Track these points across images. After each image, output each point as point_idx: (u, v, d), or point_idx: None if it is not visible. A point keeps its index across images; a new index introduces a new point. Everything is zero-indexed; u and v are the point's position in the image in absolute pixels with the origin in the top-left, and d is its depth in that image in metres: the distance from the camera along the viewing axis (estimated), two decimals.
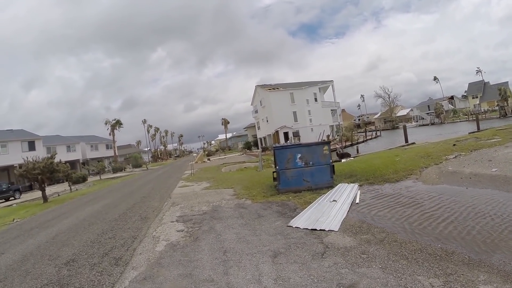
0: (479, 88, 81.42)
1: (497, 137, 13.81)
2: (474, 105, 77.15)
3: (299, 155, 9.83)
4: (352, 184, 9.57)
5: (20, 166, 20.49)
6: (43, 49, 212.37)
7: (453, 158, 10.99)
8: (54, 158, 20.12)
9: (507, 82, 73.71)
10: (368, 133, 55.59)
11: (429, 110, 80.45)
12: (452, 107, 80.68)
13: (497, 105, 61.26)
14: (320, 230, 5.74)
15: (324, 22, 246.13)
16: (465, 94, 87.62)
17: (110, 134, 63.92)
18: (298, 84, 54.02)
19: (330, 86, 57.66)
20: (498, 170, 8.19)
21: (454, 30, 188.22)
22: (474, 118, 37.47)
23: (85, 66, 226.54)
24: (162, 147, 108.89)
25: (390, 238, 4.94)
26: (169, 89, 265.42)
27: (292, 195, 9.27)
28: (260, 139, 57.27)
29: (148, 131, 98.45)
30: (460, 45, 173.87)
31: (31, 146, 39.49)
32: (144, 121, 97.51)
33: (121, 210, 10.87)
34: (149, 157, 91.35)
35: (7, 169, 36.44)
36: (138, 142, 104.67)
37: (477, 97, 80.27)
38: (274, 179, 10.37)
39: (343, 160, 17.22)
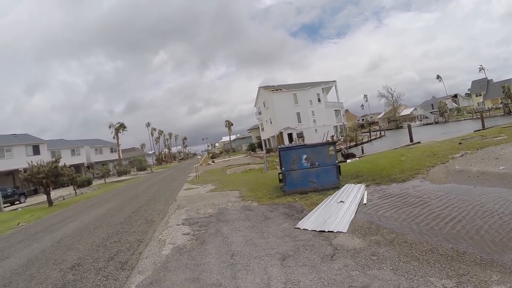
0: (482, 86, 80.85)
1: (503, 134, 13.67)
2: (478, 103, 76.59)
3: (304, 156, 9.75)
4: (358, 185, 9.48)
5: (25, 170, 20.54)
6: (45, 53, 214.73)
7: (460, 156, 10.88)
8: (58, 162, 20.16)
9: (511, 79, 73.17)
10: (372, 133, 55.28)
11: (432, 109, 80.00)
12: (455, 105, 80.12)
13: (501, 102, 60.68)
14: (329, 231, 5.66)
15: (325, 22, 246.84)
16: (469, 92, 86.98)
17: (114, 138, 64.04)
18: (301, 85, 53.90)
19: (333, 87, 57.53)
20: (506, 168, 8.09)
21: (455, 28, 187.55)
22: (479, 116, 37.16)
23: (87, 70, 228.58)
24: (166, 150, 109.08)
25: (399, 239, 4.86)
26: (172, 91, 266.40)
27: (298, 196, 9.19)
28: (264, 140, 57.17)
29: (152, 134, 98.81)
30: (462, 43, 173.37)
31: (36, 150, 39.60)
32: (148, 124, 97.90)
33: (126, 214, 10.84)
34: (154, 160, 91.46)
35: (12, 173, 36.59)
36: (142, 145, 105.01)
37: (480, 95, 79.70)
38: (280, 180, 10.29)
39: (348, 161, 17.12)
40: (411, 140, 23.41)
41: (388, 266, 3.93)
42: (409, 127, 26.75)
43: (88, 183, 37.78)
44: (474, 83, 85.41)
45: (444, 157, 11.09)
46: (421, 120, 77.64)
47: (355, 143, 38.94)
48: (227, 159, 51.49)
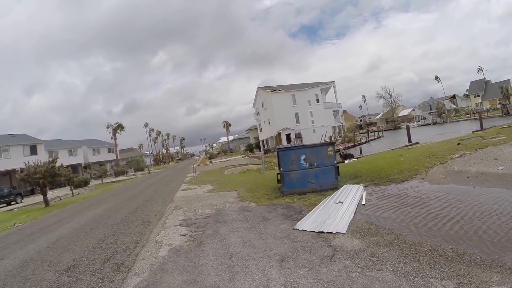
0: (480, 87, 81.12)
1: (502, 135, 13.67)
2: (476, 103, 76.81)
3: (303, 157, 9.70)
4: (357, 185, 9.44)
5: (22, 170, 20.43)
6: (44, 54, 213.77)
7: (458, 157, 10.85)
8: (55, 162, 20.08)
9: (509, 80, 73.56)
10: (370, 134, 55.30)
11: (431, 109, 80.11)
12: (454, 106, 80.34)
13: (499, 103, 60.94)
14: (327, 232, 5.60)
15: (324, 23, 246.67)
16: (467, 92, 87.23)
17: (112, 138, 63.80)
18: (300, 86, 53.88)
19: (332, 87, 57.53)
20: (505, 169, 8.07)
21: (454, 29, 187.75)
22: (477, 117, 37.25)
23: (86, 71, 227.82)
24: (164, 150, 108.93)
25: (399, 239, 4.81)
26: (171, 92, 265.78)
27: (296, 197, 9.14)
28: (262, 141, 57.12)
29: (150, 135, 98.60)
30: (460, 44, 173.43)
31: (33, 150, 39.44)
32: (146, 125, 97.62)
33: (123, 214, 10.76)
34: (151, 160, 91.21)
35: (9, 173, 36.38)
36: (140, 146, 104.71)
37: (478, 96, 79.96)
38: (278, 181, 10.23)
39: (346, 161, 17.09)
40: (410, 140, 23.39)
41: (388, 267, 3.88)
42: (408, 128, 26.74)
43: (85, 183, 37.61)
44: (473, 83, 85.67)
45: (443, 158, 11.06)
46: (419, 121, 77.72)
47: (353, 144, 38.96)
48: (225, 159, 51.39)
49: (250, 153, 56.60)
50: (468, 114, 63.32)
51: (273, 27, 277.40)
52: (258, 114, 58.12)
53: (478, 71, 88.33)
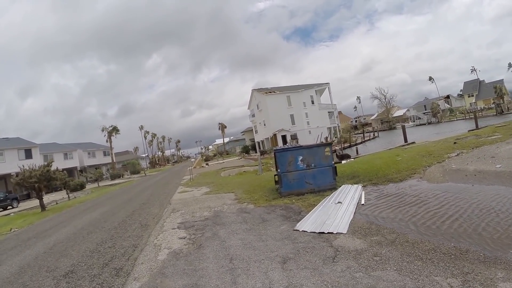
0: (474, 87, 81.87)
1: (498, 134, 13.77)
2: (470, 103, 77.48)
3: (300, 157, 9.67)
4: (355, 185, 9.42)
5: (17, 174, 20.19)
6: (38, 56, 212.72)
7: (455, 156, 10.91)
8: (50, 166, 19.89)
9: (502, 79, 74.54)
10: (365, 134, 55.52)
11: (425, 109, 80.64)
12: (448, 106, 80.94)
13: (493, 102, 61.60)
14: (328, 233, 5.57)
15: (317, 25, 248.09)
16: (461, 93, 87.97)
17: (107, 141, 63.37)
18: (295, 87, 53.96)
19: (327, 89, 57.71)
20: (503, 166, 8.12)
21: (447, 31, 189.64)
22: (471, 116, 37.57)
23: (81, 73, 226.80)
24: (159, 153, 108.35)
25: (401, 238, 4.79)
26: (165, 94, 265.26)
27: (295, 198, 9.10)
28: (258, 142, 57.10)
29: (145, 137, 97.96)
30: (453, 45, 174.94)
31: (28, 154, 39.05)
32: (141, 127, 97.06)
33: (120, 218, 10.65)
34: (147, 163, 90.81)
35: (4, 177, 35.97)
36: (136, 149, 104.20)
37: (472, 96, 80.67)
38: (276, 182, 10.19)
39: (343, 162, 17.09)
40: (406, 140, 23.48)
41: (392, 267, 3.85)
42: (403, 128, 26.85)
43: (81, 187, 37.24)
44: (466, 84, 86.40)
45: (440, 157, 11.10)
46: (414, 121, 78.07)
47: (349, 144, 39.02)
48: (221, 161, 51.22)
49: (246, 154, 56.48)
50: (462, 113, 63.81)
51: (267, 30, 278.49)
52: (253, 116, 58.10)
53: (471, 71, 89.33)
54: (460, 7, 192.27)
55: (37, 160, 32.73)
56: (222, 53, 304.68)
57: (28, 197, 34.37)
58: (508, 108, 53.63)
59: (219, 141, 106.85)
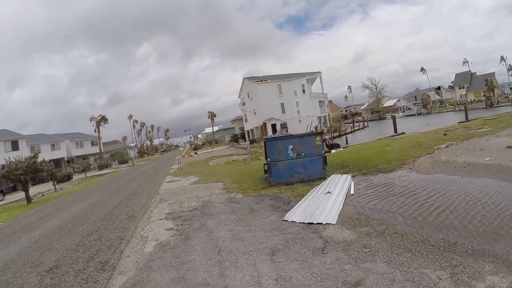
0: (465, 79, 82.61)
1: (487, 126, 13.92)
2: (461, 95, 78.36)
3: (291, 147, 9.59)
4: (345, 175, 9.40)
5: (3, 167, 19.70)
6: (26, 47, 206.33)
7: (445, 147, 10.97)
8: (37, 158, 19.48)
9: (494, 72, 75.40)
10: (355, 124, 55.82)
11: (416, 100, 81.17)
12: (438, 97, 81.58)
13: (484, 95, 62.21)
14: (317, 223, 5.53)
15: (311, 14, 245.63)
16: (452, 84, 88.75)
17: (95, 131, 62.45)
18: (286, 76, 53.67)
19: (318, 78, 57.48)
20: (492, 159, 8.17)
21: (441, 21, 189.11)
22: (461, 108, 37.93)
23: (70, 63, 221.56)
24: (148, 142, 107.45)
25: (390, 230, 4.77)
26: (155, 83, 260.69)
27: (284, 187, 9.05)
28: (248, 131, 56.89)
29: (134, 127, 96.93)
30: (447, 36, 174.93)
31: (15, 146, 38.26)
32: (130, 117, 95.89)
33: (107, 209, 10.45)
34: (135, 152, 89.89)
35: None
36: (124, 138, 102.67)
37: (463, 88, 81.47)
38: (265, 171, 10.11)
39: (332, 151, 17.09)
40: (396, 130, 23.59)
41: (381, 259, 3.82)
42: (394, 118, 26.91)
43: (68, 178, 36.66)
44: (458, 75, 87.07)
45: (430, 148, 11.16)
46: (404, 112, 78.70)
47: (338, 134, 39.22)
48: (210, 150, 50.97)
49: (236, 143, 56.32)
50: (452, 105, 64.40)
51: (259, 18, 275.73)
52: (243, 104, 57.68)
53: (463, 63, 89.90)
54: None
55: (24, 152, 31.92)
56: (214, 41, 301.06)
57: (14, 189, 33.67)
58: (498, 101, 54.20)
59: (208, 130, 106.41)
